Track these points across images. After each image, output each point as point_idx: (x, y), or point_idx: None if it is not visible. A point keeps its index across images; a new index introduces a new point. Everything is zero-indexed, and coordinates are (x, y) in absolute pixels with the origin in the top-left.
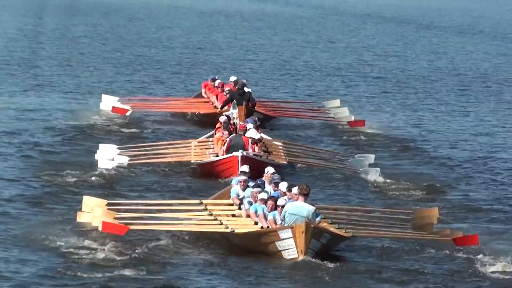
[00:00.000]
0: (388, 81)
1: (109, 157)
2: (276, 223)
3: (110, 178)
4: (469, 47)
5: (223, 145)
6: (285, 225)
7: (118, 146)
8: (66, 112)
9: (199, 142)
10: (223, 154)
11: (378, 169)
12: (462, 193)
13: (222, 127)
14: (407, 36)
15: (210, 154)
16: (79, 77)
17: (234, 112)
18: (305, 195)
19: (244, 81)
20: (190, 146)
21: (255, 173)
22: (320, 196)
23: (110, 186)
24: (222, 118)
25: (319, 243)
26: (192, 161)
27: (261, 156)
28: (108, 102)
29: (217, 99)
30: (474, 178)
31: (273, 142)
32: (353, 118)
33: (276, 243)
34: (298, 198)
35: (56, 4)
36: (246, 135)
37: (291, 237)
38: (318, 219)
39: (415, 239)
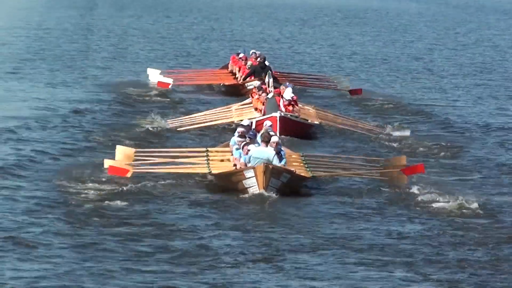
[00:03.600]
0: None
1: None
2: (246, 165)
3: (157, 136)
4: None
5: (262, 104)
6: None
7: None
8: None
9: (239, 105)
10: (263, 114)
11: None
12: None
13: (256, 91)
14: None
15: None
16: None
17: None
18: (266, 142)
19: (264, 56)
20: (231, 110)
21: (293, 133)
22: (334, 150)
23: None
24: (256, 83)
25: (279, 182)
26: (234, 121)
27: (297, 117)
28: (153, 75)
29: (239, 71)
30: None
31: (305, 106)
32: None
33: (243, 181)
34: (261, 144)
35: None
36: (283, 95)
37: (253, 176)
38: (282, 162)
39: (369, 176)
